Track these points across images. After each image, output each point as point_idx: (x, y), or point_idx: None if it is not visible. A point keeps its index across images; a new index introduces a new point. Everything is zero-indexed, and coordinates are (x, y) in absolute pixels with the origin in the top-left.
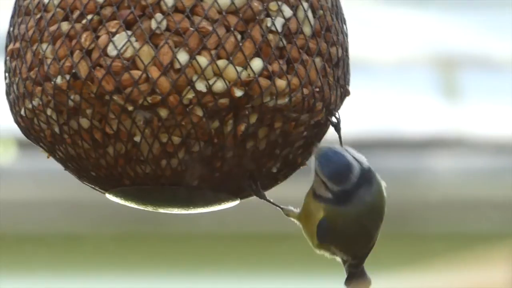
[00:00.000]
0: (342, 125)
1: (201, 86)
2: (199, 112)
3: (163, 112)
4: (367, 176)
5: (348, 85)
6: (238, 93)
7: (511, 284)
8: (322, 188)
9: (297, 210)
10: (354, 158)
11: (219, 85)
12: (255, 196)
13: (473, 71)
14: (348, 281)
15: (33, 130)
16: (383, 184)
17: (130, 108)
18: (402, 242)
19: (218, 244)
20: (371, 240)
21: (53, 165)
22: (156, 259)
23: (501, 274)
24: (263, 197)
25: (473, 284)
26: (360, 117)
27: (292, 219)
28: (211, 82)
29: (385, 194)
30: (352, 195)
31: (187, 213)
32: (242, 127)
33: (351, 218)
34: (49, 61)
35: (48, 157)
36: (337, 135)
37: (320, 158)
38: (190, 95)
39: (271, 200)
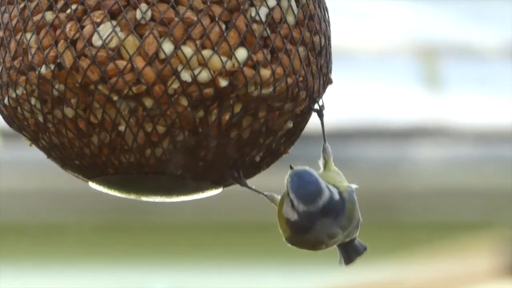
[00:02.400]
0: (325, 114)
1: (186, 76)
2: (184, 101)
3: (148, 102)
4: (334, 206)
5: (331, 73)
6: (223, 83)
7: (493, 273)
8: (289, 207)
9: (279, 197)
10: (328, 188)
11: (204, 75)
12: (238, 186)
13: (455, 60)
14: (343, 260)
15: (16, 119)
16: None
17: (115, 97)
18: (384, 231)
19: (202, 234)
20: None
21: (35, 155)
22: (138, 249)
23: (483, 262)
24: (245, 185)
25: (455, 273)
26: (342, 106)
27: (274, 206)
28: (196, 72)
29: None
30: (315, 222)
31: (169, 201)
32: (227, 117)
33: (313, 241)
34: (33, 50)
35: (30, 145)
36: (320, 123)
37: (293, 175)
38: (175, 85)
39: (254, 187)
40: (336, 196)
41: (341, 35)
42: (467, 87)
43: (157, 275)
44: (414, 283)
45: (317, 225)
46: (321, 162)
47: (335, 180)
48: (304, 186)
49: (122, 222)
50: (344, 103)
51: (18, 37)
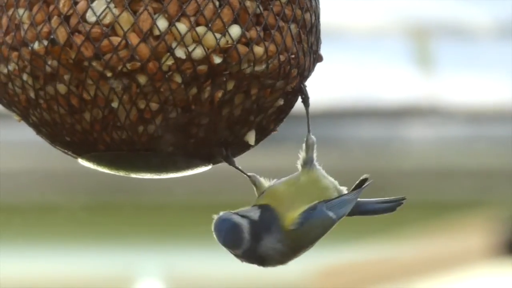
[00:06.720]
0: (315, 97)
1: (180, 53)
2: (178, 78)
3: (142, 79)
4: (260, 227)
5: (320, 51)
6: (217, 60)
7: (484, 252)
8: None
9: (263, 180)
10: (243, 216)
11: (198, 52)
12: (228, 166)
13: (447, 40)
14: None
15: (6, 94)
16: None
17: (109, 74)
18: None
19: (193, 214)
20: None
21: (26, 135)
22: (129, 228)
23: (474, 241)
24: (232, 163)
25: (447, 252)
26: (334, 86)
27: (255, 188)
28: (190, 49)
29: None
30: (256, 252)
31: (158, 177)
32: (220, 94)
33: (263, 260)
34: (26, 26)
35: (19, 121)
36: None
37: (214, 230)
38: (170, 61)
39: (240, 167)
40: (255, 215)
41: (334, 14)
42: (459, 66)
43: (148, 254)
44: (406, 262)
45: (260, 252)
46: (300, 161)
47: (303, 198)
48: (224, 235)
49: (114, 202)
50: (335, 82)
51: (10, 12)
